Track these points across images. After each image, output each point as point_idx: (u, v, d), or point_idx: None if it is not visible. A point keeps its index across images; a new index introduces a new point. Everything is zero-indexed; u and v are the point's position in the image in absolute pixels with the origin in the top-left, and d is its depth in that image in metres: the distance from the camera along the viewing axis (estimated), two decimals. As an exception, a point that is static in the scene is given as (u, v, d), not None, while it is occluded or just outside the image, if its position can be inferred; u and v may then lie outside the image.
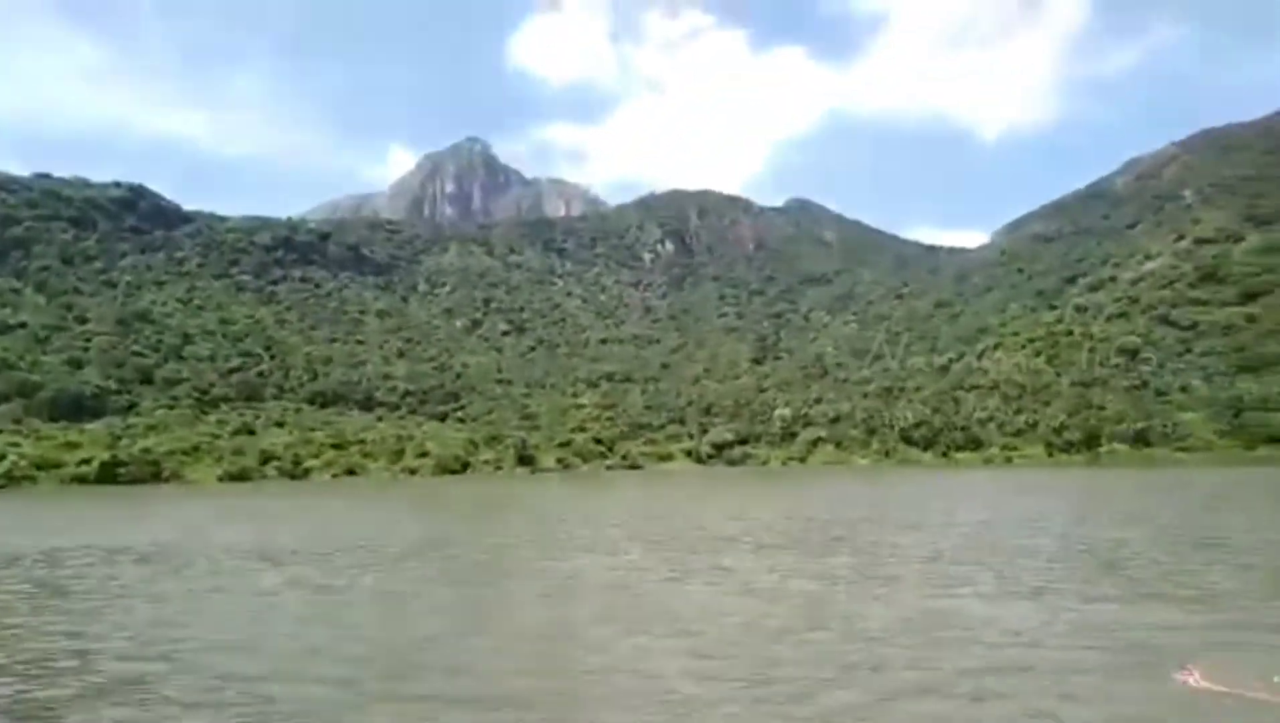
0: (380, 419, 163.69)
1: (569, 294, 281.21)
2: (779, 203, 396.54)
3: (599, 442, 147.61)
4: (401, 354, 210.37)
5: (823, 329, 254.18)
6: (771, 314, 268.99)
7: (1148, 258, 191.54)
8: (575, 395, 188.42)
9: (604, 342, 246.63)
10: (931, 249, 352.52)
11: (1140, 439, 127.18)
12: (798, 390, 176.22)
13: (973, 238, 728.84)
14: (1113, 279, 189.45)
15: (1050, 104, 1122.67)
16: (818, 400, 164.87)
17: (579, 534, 29.76)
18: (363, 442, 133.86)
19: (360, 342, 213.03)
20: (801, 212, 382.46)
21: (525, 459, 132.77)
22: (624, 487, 72.30)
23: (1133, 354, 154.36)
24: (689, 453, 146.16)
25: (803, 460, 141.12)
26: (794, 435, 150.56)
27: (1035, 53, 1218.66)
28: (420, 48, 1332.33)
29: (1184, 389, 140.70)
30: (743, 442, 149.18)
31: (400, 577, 20.70)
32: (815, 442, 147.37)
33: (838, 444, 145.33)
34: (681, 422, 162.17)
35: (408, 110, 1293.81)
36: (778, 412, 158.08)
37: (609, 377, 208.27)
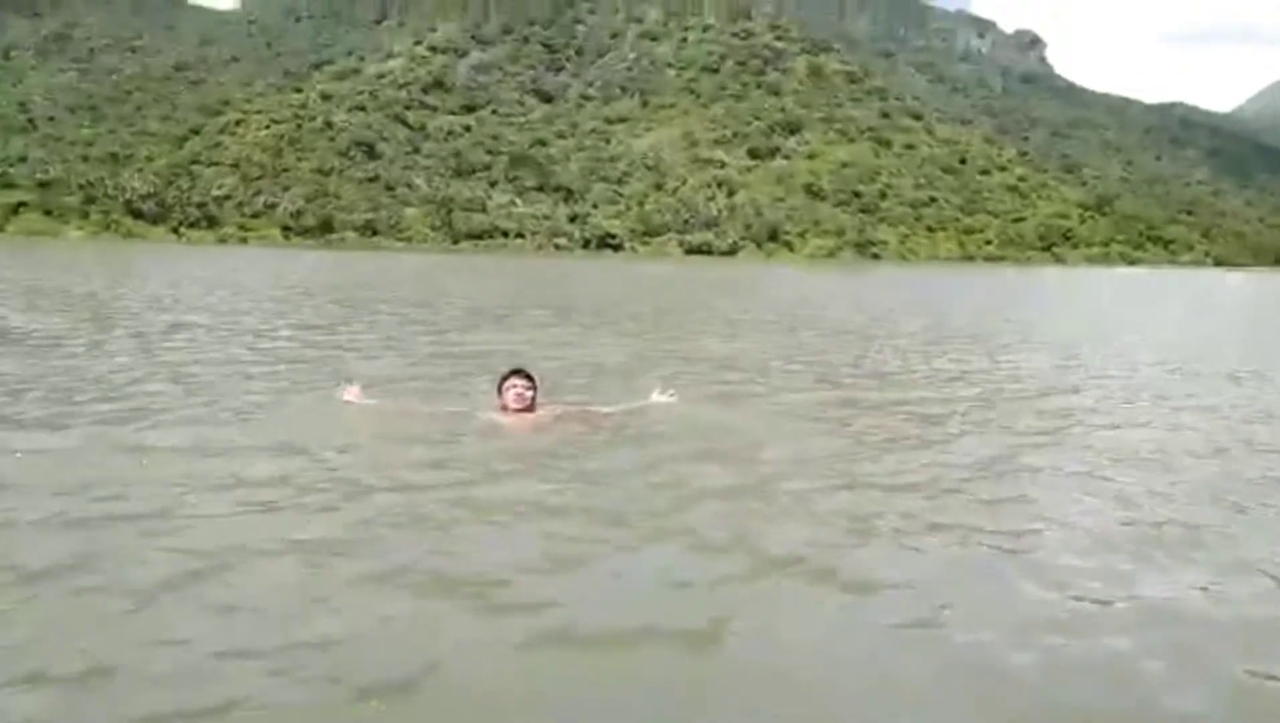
0: None
1: None
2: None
3: None
4: None
5: (29, 73, 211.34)
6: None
7: (389, 56, 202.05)
8: None
9: None
10: (172, 2, 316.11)
11: (369, 228, 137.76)
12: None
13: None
14: (356, 71, 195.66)
15: None
16: (22, 159, 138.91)
17: None
18: None
19: None
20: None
21: None
22: None
23: (368, 148, 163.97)
24: None
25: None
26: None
27: None
28: None
29: (409, 186, 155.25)
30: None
31: None
32: (17, 207, 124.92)
33: (47, 212, 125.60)
34: None
35: None
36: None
37: None
